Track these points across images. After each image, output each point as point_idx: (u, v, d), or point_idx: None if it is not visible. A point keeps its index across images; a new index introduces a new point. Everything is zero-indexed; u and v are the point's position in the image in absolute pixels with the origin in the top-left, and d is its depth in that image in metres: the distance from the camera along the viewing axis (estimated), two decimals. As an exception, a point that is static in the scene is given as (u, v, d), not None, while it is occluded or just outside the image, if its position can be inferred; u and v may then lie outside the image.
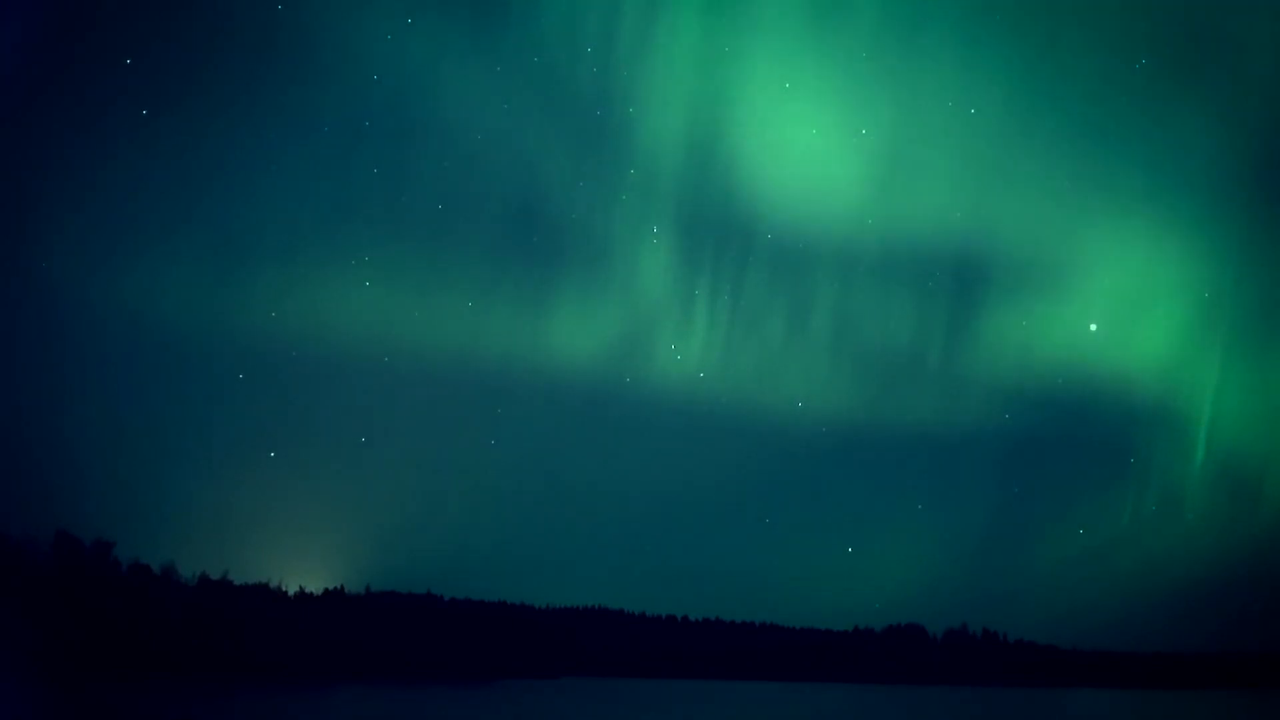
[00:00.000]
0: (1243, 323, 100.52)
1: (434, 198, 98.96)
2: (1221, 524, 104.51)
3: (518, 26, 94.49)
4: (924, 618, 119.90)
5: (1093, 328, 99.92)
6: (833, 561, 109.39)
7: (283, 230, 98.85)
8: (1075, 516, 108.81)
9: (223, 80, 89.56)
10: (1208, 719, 64.69)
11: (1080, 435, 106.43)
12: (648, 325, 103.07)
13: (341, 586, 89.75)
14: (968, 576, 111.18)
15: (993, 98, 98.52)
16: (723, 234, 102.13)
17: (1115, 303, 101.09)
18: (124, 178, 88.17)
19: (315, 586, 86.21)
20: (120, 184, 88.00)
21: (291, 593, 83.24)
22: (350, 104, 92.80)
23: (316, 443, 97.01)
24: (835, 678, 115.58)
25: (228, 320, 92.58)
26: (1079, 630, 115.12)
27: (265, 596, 77.64)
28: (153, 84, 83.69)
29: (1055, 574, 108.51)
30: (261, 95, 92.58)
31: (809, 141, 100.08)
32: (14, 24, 73.03)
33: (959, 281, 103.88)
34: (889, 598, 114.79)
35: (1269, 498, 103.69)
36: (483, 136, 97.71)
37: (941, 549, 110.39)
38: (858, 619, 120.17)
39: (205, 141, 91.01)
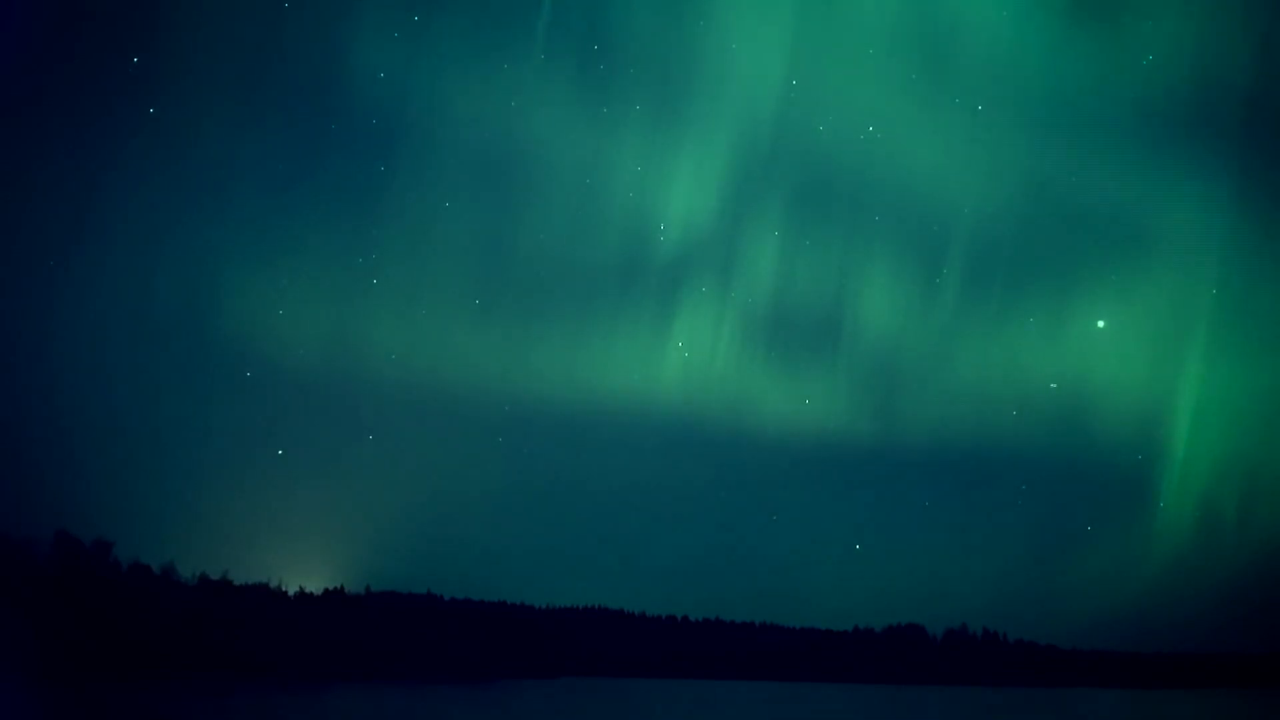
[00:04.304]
0: (1249, 320, 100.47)
1: (440, 195, 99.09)
2: (1225, 525, 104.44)
3: (522, 24, 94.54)
4: (924, 618, 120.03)
5: (1100, 324, 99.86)
6: (839, 560, 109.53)
7: (288, 228, 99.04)
8: (1081, 516, 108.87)
9: (228, 79, 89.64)
10: (1208, 719, 64.59)
11: (1086, 434, 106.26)
12: (653, 323, 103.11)
13: (341, 586, 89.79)
14: (969, 576, 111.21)
15: (998, 96, 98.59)
16: (726, 232, 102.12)
17: (1122, 300, 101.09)
18: (128, 176, 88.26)
19: (315, 586, 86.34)
20: (124, 182, 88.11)
21: (291, 593, 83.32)
22: (356, 102, 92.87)
23: (323, 441, 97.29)
24: (835, 678, 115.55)
25: (234, 318, 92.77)
26: (1079, 630, 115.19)
27: (265, 596, 77.64)
28: (158, 83, 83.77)
29: (1058, 574, 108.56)
30: (267, 93, 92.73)
31: (814, 139, 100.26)
32: (19, 23, 73.02)
33: (965, 278, 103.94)
34: (889, 598, 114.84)
35: (1269, 499, 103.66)
36: (489, 135, 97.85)
37: (944, 548, 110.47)
38: (858, 619, 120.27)
39: (210, 140, 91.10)
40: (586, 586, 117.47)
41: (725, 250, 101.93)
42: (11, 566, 57.97)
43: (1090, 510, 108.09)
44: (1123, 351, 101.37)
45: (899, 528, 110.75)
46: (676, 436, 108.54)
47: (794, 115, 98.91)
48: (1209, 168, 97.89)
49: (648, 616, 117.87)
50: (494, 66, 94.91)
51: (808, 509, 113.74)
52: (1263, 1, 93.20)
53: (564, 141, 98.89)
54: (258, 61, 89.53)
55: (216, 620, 68.35)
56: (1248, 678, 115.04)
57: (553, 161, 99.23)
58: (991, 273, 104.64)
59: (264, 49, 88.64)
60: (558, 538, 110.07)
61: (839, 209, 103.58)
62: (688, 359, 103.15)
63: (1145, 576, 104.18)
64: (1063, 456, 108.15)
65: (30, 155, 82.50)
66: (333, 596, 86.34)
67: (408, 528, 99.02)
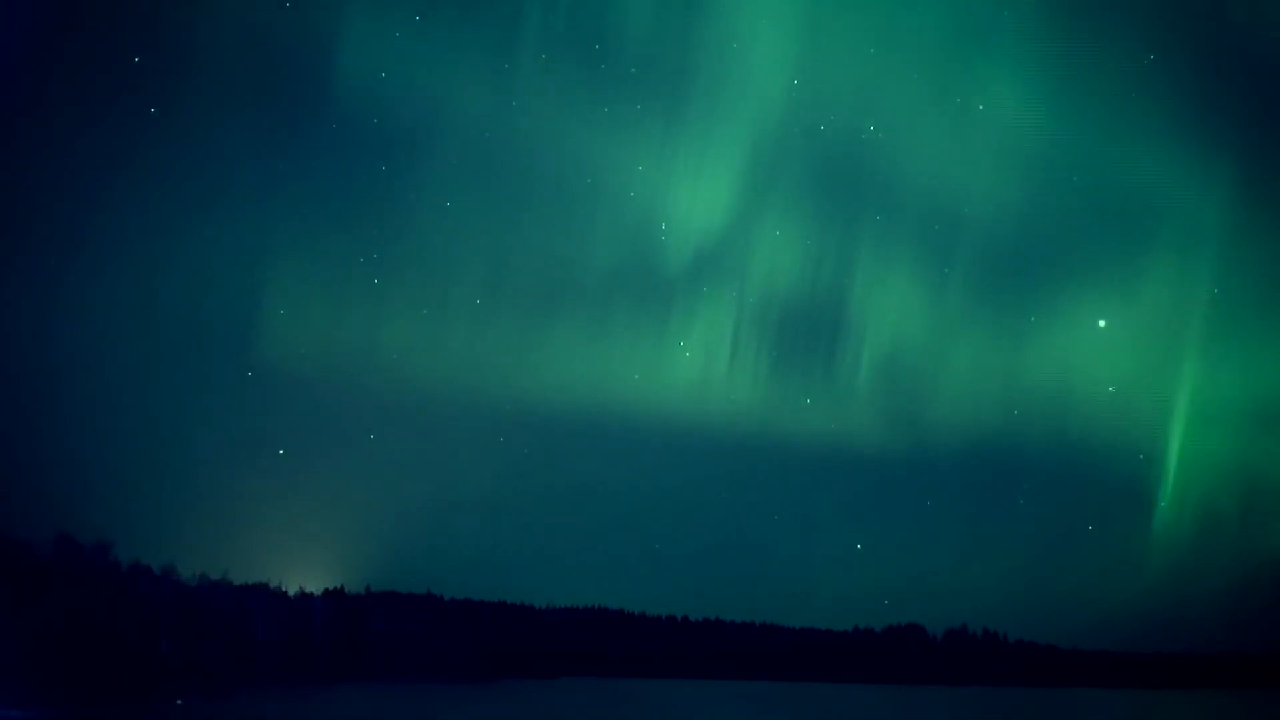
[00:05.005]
0: (1250, 319, 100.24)
1: (442, 195, 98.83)
2: (1226, 525, 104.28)
3: (523, 24, 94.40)
4: (924, 618, 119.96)
5: (1101, 324, 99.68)
6: (839, 560, 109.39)
7: (290, 227, 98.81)
8: (1082, 516, 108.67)
9: (230, 79, 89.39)
10: (1207, 719, 64.65)
11: (1088, 434, 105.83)
12: (655, 323, 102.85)
13: (341, 586, 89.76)
14: (969, 576, 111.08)
15: (999, 95, 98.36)
16: (727, 232, 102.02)
17: (1123, 300, 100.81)
18: (129, 176, 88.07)
19: (315, 586, 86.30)
20: (125, 182, 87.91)
21: (291, 593, 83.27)
22: (358, 101, 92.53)
23: (324, 441, 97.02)
24: (835, 678, 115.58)
25: (235, 317, 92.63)
26: (1079, 630, 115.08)
27: (265, 596, 77.56)
28: (159, 82, 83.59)
29: (1058, 574, 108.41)
30: (268, 93, 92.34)
31: (816, 138, 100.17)
32: (20, 21, 72.97)
33: (965, 278, 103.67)
34: (889, 598, 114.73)
35: (1270, 499, 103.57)
36: (490, 134, 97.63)
37: (945, 548, 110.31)
38: (858, 619, 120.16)
39: (210, 139, 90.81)
40: (586, 586, 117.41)
41: (727, 250, 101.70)
42: (11, 566, 57.93)
43: (1091, 510, 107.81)
44: (1124, 350, 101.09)
45: (900, 528, 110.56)
46: (677, 436, 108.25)
47: (795, 114, 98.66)
48: (1209, 167, 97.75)
49: (648, 616, 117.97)
50: (495, 66, 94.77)
51: (808, 509, 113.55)
52: (1263, 2, 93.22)
53: (565, 141, 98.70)
54: (259, 61, 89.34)
55: (216, 620, 68.33)
56: (1248, 678, 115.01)
57: (554, 161, 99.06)
58: (992, 272, 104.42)
59: (265, 48, 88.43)
60: (558, 538, 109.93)
61: (840, 209, 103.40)
62: (689, 359, 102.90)
63: (1146, 576, 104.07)
64: (1064, 456, 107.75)
65: (30, 155, 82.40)
66: (333, 596, 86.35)
67: (408, 528, 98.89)
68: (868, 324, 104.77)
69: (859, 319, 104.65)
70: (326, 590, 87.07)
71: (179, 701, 48.15)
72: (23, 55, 75.07)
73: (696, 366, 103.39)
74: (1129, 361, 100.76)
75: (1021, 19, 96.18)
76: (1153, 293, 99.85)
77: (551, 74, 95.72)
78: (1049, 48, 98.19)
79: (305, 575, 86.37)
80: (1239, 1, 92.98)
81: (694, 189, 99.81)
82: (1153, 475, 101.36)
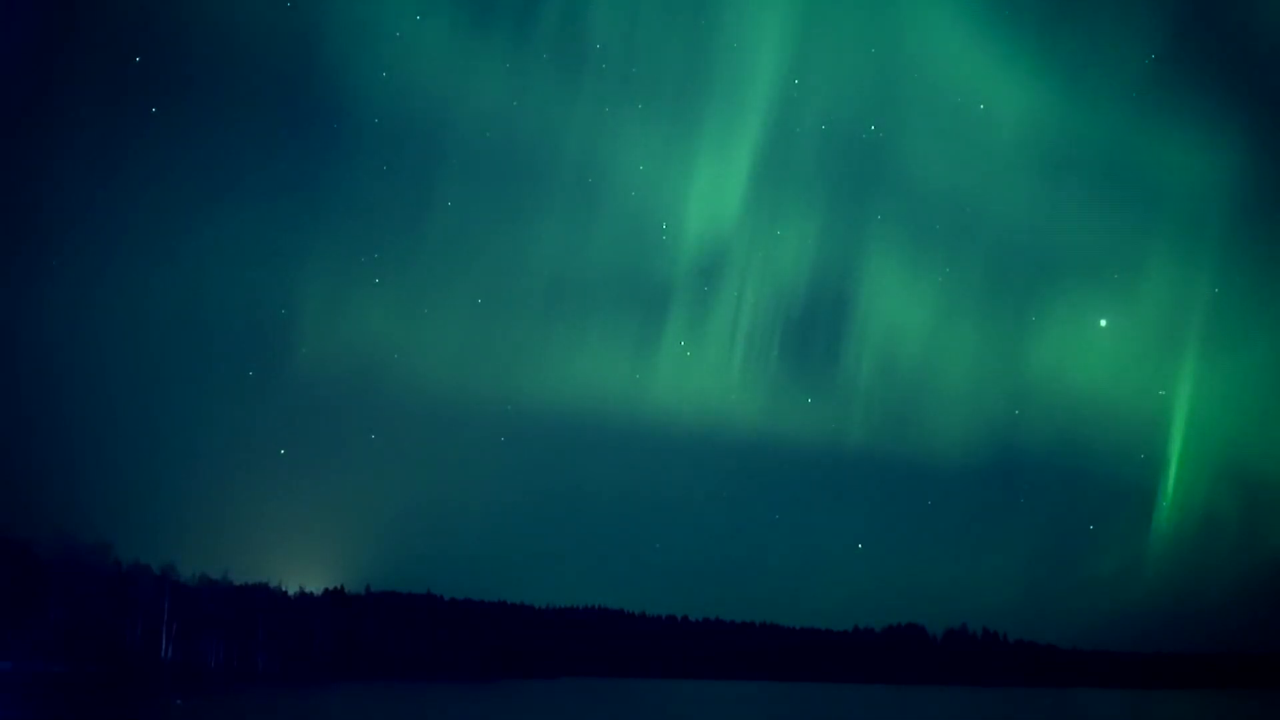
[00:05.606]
0: (1250, 318, 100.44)
1: (443, 195, 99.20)
2: (1226, 524, 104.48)
3: (524, 25, 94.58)
4: (924, 618, 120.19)
5: (1102, 323, 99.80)
6: (839, 560, 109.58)
7: (291, 227, 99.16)
8: (1083, 515, 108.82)
9: (231, 78, 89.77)
10: (1208, 719, 64.54)
11: (1089, 433, 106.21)
12: (655, 323, 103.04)
13: (341, 586, 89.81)
14: (969, 576, 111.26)
15: (999, 96, 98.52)
16: (728, 232, 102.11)
17: (1124, 299, 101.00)
18: (130, 176, 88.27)
19: (315, 586, 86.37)
20: (127, 183, 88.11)
21: (291, 593, 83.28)
22: (359, 101, 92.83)
23: (324, 440, 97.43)
24: (835, 678, 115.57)
25: (236, 318, 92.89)
26: (1079, 630, 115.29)
27: (265, 596, 77.61)
28: (161, 82, 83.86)
29: (1059, 574, 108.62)
30: (270, 93, 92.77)
31: (816, 138, 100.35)
32: (22, 23, 73.03)
33: (967, 278, 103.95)
34: (889, 598, 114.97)
35: (1270, 498, 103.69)
36: (491, 134, 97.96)
37: (945, 548, 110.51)
38: (858, 619, 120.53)
39: (212, 139, 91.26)
40: (586, 587, 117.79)
41: (728, 250, 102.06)
42: (12, 566, 57.95)
43: (1092, 510, 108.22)
44: (1125, 349, 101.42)
45: (900, 528, 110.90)
46: (677, 436, 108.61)
47: (796, 114, 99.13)
48: (1210, 167, 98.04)
49: (648, 616, 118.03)
50: (496, 66, 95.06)
51: (809, 509, 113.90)
52: (1263, 3, 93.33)
53: (566, 141, 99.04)
54: (260, 61, 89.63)
55: (216, 620, 68.36)
56: (1248, 678, 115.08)
57: (555, 161, 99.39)
58: (993, 272, 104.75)
59: (265, 48, 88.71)
60: (558, 538, 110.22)
61: (840, 209, 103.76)
62: (690, 359, 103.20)
63: (1146, 576, 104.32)
64: (1065, 456, 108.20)
65: (32, 155, 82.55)
66: (333, 596, 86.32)
67: (408, 528, 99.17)
68: (868, 324, 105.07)
69: (859, 319, 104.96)
70: (326, 590, 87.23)
71: (179, 701, 48.14)
72: (23, 55, 75.16)
73: (697, 367, 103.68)
74: (1130, 360, 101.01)
75: (1022, 20, 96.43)
76: (1153, 292, 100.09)
77: (553, 75, 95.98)
78: (1050, 48, 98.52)
79: (305, 575, 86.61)
80: (1239, 2, 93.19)
81: (695, 189, 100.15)
82: (1153, 475, 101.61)
